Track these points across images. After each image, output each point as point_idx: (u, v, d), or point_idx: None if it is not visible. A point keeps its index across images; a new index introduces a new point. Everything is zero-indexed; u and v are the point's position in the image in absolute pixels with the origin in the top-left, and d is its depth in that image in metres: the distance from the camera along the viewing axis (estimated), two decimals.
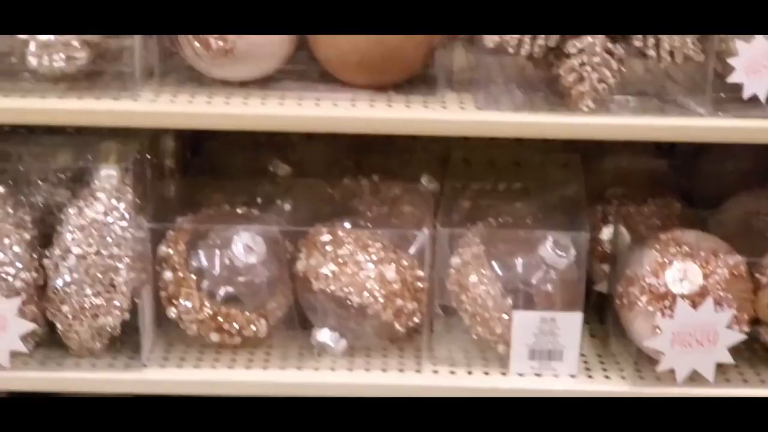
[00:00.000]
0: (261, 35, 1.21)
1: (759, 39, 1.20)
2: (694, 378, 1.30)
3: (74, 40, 1.20)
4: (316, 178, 1.47)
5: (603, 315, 1.43)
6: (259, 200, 1.41)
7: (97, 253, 1.25)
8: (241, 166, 1.50)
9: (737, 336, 1.28)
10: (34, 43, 1.19)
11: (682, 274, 1.28)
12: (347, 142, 1.50)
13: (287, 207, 1.39)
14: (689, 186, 1.57)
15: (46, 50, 1.20)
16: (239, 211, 1.37)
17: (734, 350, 1.29)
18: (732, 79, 1.21)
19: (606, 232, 1.43)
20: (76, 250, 1.25)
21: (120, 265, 1.26)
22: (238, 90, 1.26)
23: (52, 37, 1.19)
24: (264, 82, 1.27)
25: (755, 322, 1.32)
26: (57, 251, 1.26)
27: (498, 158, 1.52)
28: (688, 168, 1.58)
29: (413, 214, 1.41)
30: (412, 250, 1.33)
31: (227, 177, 1.48)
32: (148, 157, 1.35)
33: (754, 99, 1.22)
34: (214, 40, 1.21)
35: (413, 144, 1.53)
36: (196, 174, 1.50)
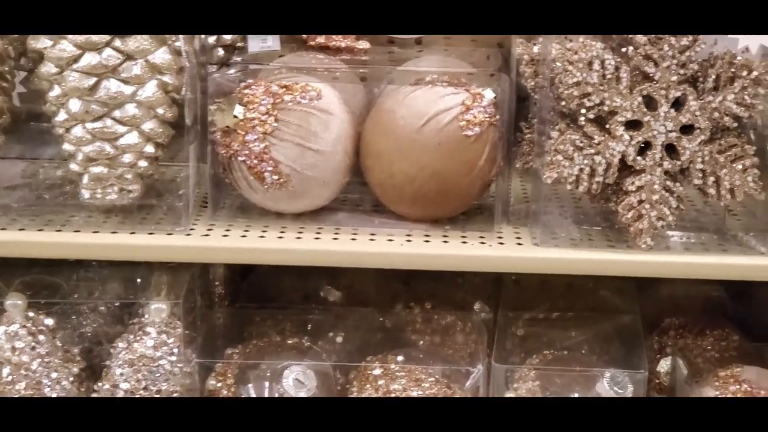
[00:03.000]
0: (315, 167, 1.20)
1: None
2: None
3: (128, 173, 1.19)
4: (367, 303, 1.45)
5: None
6: (309, 327, 1.39)
7: (146, 388, 1.24)
8: (291, 289, 1.49)
9: None
10: (87, 176, 1.19)
11: None
12: None
13: (339, 339, 1.37)
14: (746, 311, 1.54)
15: (100, 183, 1.19)
16: (290, 342, 1.35)
17: None
18: None
19: (663, 365, 1.40)
20: (124, 386, 1.24)
21: None
22: (293, 222, 1.24)
23: (105, 169, 1.19)
24: (318, 213, 1.26)
25: None
26: (106, 386, 1.25)
27: (551, 280, 1.50)
28: (744, 293, 1.54)
29: (466, 344, 1.39)
30: (466, 385, 1.31)
31: (277, 301, 1.46)
32: (199, 284, 1.34)
33: None
34: (269, 174, 1.20)
35: None
36: (246, 298, 1.48)
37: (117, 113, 1.17)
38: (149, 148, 1.19)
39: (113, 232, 1.20)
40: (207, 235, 1.21)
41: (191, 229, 1.22)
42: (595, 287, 1.48)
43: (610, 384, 1.27)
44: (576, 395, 1.29)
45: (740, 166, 1.18)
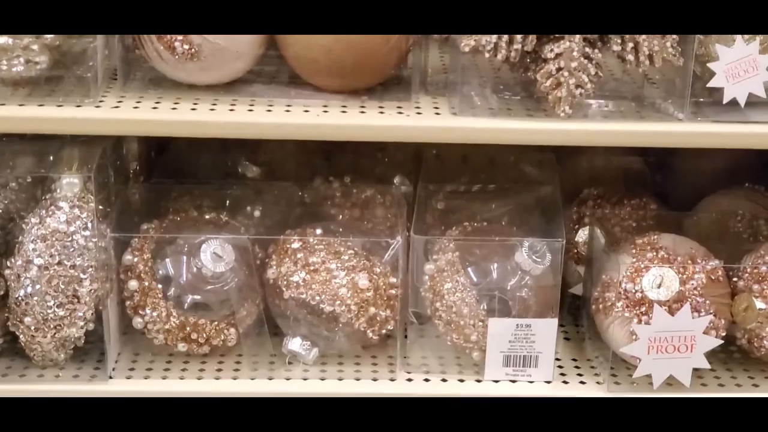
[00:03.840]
0: (228, 38, 1.17)
1: (739, 43, 1.18)
2: (671, 382, 1.28)
3: (34, 44, 1.15)
4: (287, 179, 1.43)
5: (578, 318, 1.41)
6: (227, 203, 1.37)
7: (60, 263, 1.21)
8: (208, 165, 1.47)
9: (714, 342, 1.26)
10: None
11: (658, 280, 1.26)
12: (318, 140, 1.46)
13: (257, 213, 1.35)
14: (664, 182, 1.55)
15: (5, 54, 1.15)
16: (207, 216, 1.33)
17: (710, 353, 1.27)
18: (712, 83, 1.19)
19: (581, 235, 1.41)
20: (37, 261, 1.21)
21: (83, 276, 1.22)
22: (206, 94, 1.21)
23: (9, 40, 1.15)
24: (233, 85, 1.23)
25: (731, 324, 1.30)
26: (18, 261, 1.22)
27: (472, 154, 1.49)
28: (663, 164, 1.56)
29: (386, 217, 1.39)
30: (385, 257, 1.30)
31: (194, 177, 1.44)
32: (112, 160, 1.31)
33: (732, 103, 1.20)
34: (180, 44, 1.16)
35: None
36: (162, 175, 1.45)
37: None
38: None
39: (21, 105, 1.16)
40: (117, 107, 1.17)
41: (101, 101, 1.18)
42: (516, 160, 1.47)
43: (529, 253, 1.28)
44: (496, 265, 1.30)
45: None
